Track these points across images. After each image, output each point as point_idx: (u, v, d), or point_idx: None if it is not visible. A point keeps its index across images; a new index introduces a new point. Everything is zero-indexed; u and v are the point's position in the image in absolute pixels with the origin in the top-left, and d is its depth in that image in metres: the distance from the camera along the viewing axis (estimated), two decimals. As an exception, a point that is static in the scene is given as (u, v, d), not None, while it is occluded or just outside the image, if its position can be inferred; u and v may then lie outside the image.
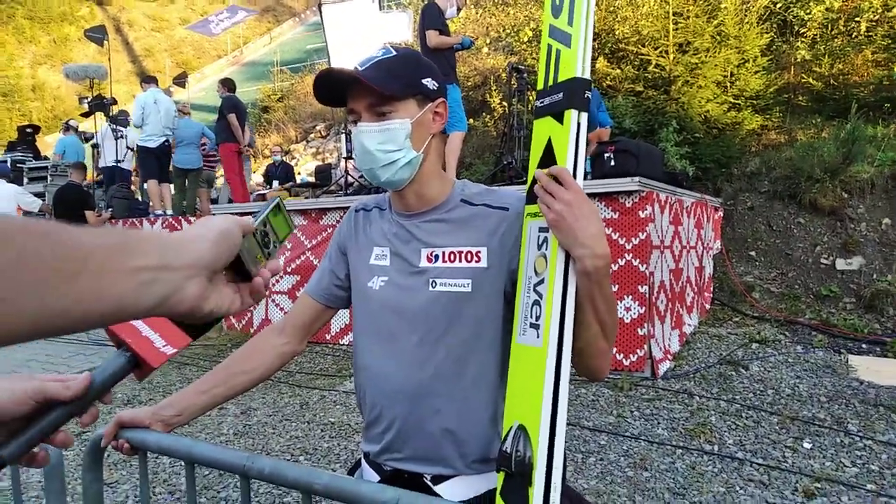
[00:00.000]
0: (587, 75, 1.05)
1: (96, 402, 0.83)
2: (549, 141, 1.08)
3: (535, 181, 1.07)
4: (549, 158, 1.07)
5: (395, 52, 1.20)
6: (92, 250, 0.49)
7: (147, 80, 8.65)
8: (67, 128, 10.85)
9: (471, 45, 6.65)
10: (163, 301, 0.54)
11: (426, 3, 6.42)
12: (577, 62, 1.05)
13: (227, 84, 8.92)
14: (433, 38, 5.97)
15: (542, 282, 1.04)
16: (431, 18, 6.04)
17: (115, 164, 9.08)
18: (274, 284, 6.38)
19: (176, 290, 0.55)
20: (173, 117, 8.28)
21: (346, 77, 1.18)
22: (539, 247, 1.07)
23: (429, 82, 1.22)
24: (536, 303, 1.04)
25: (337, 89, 1.21)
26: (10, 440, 0.73)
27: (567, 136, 1.03)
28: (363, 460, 1.36)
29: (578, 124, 1.04)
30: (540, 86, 1.13)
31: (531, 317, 1.05)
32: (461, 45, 6.33)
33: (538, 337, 1.02)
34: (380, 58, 1.18)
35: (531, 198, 1.09)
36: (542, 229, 1.06)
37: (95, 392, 0.81)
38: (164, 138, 8.09)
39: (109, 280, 0.50)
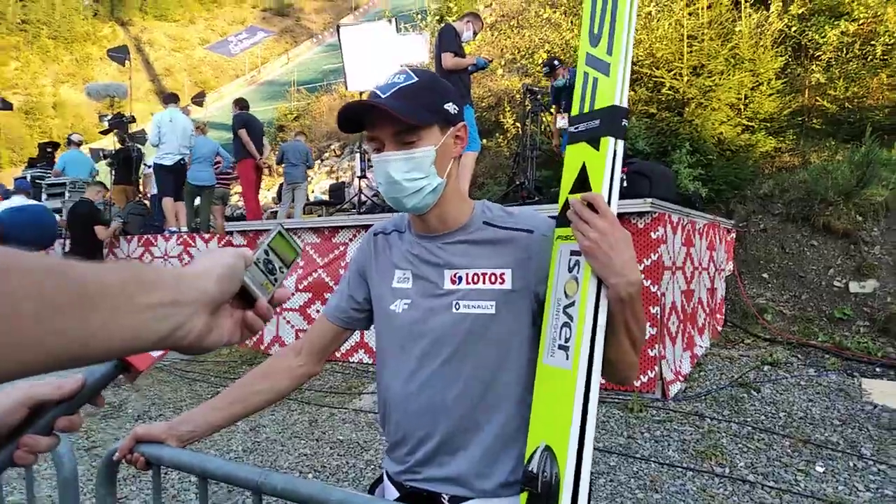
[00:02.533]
0: (625, 104, 1.08)
1: (86, 404, 0.84)
2: (584, 166, 1.09)
3: (567, 205, 1.09)
4: (583, 184, 1.09)
5: (416, 78, 1.19)
6: (106, 287, 0.50)
7: (168, 98, 8.79)
8: (69, 142, 11.00)
9: (486, 66, 6.72)
10: (169, 335, 0.56)
11: (443, 26, 6.51)
12: (616, 91, 1.07)
13: (240, 103, 9.11)
14: (448, 60, 6.04)
15: (572, 304, 1.06)
16: (448, 41, 6.13)
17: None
18: (273, 317, 6.42)
19: (182, 325, 0.57)
20: (190, 136, 8.40)
21: (369, 107, 1.16)
22: (570, 269, 1.09)
23: (450, 107, 1.22)
24: (566, 325, 1.06)
25: (357, 115, 1.21)
26: (4, 446, 0.76)
27: (603, 163, 1.06)
28: (385, 477, 1.38)
29: (615, 152, 1.07)
30: (575, 112, 1.14)
31: (560, 339, 1.06)
32: (476, 66, 6.40)
33: (567, 359, 1.03)
34: (401, 84, 1.17)
35: (562, 221, 1.11)
36: (573, 252, 1.08)
37: (86, 394, 0.82)
38: (180, 156, 8.20)
39: (124, 316, 0.51)
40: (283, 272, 0.74)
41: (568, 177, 1.12)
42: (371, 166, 10.40)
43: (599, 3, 1.14)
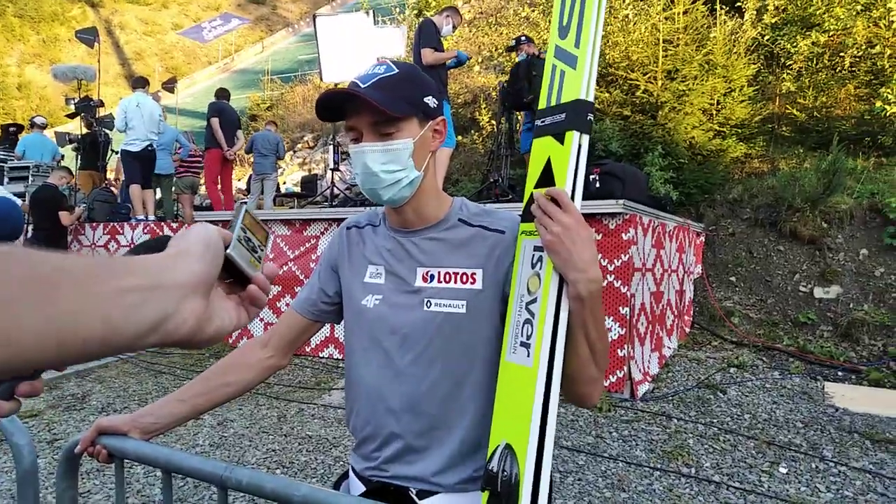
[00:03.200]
0: (591, 98, 1.06)
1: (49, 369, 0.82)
2: (549, 161, 1.08)
3: (531, 200, 1.07)
4: (547, 178, 1.07)
5: (396, 70, 1.18)
6: (68, 271, 0.45)
7: (137, 83, 8.58)
8: (32, 125, 10.70)
9: (466, 61, 6.69)
10: (158, 325, 0.50)
11: (422, 20, 6.45)
12: (581, 84, 1.05)
13: (219, 93, 8.98)
14: (428, 55, 6.00)
15: (534, 301, 1.04)
16: (427, 36, 6.08)
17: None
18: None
19: (172, 313, 0.52)
20: (158, 122, 8.20)
21: (349, 96, 1.15)
22: (533, 265, 1.07)
23: (430, 100, 1.21)
24: (528, 322, 1.04)
25: (335, 104, 1.20)
26: None
27: (567, 157, 1.04)
28: (351, 472, 1.36)
29: (580, 146, 1.05)
30: (542, 105, 1.13)
31: (522, 335, 1.05)
32: (457, 61, 6.35)
33: (528, 356, 1.02)
34: (382, 75, 1.16)
35: (527, 216, 1.09)
36: (536, 248, 1.06)
37: None
38: (147, 142, 7.98)
39: (90, 301, 0.45)
40: (262, 250, 0.71)
41: (533, 171, 1.11)
42: (344, 159, 10.32)
43: None
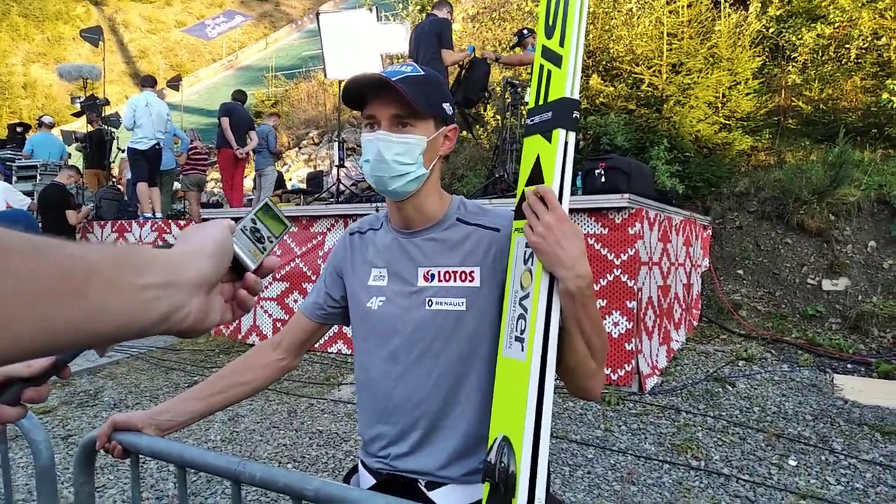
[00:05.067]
0: (576, 96, 1.08)
1: (52, 377, 0.83)
2: (538, 158, 1.10)
3: (523, 198, 1.10)
4: (537, 176, 1.09)
5: (422, 72, 1.23)
6: (98, 266, 0.48)
7: (145, 81, 8.62)
8: (41, 124, 10.75)
9: (472, 54, 6.76)
10: (166, 318, 0.54)
11: (435, 18, 6.38)
12: (566, 82, 1.08)
13: (235, 94, 9.10)
14: (449, 57, 6.11)
15: (527, 296, 1.06)
16: (447, 38, 6.16)
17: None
18: (263, 290, 6.36)
19: (179, 307, 0.55)
20: (166, 121, 8.25)
21: (380, 83, 1.18)
22: (525, 261, 1.09)
23: (447, 107, 1.27)
24: (522, 316, 1.06)
25: (362, 90, 1.23)
26: None
27: (554, 155, 1.06)
28: (360, 466, 1.39)
29: (566, 143, 1.07)
30: (531, 104, 1.16)
31: (516, 330, 1.07)
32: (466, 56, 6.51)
33: (522, 350, 1.04)
34: (408, 73, 1.21)
35: (519, 213, 1.12)
36: (528, 244, 1.08)
37: (54, 366, 0.81)
38: (154, 141, 8.04)
39: (118, 297, 0.49)
40: (271, 242, 0.73)
41: (524, 169, 1.14)
42: (349, 155, 10.33)
43: None
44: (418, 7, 16.29)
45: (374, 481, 1.32)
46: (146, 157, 8.02)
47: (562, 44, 1.10)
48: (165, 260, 0.55)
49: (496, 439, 1.04)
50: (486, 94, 7.13)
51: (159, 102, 8.29)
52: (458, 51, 6.46)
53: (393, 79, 1.17)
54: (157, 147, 8.11)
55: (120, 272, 0.49)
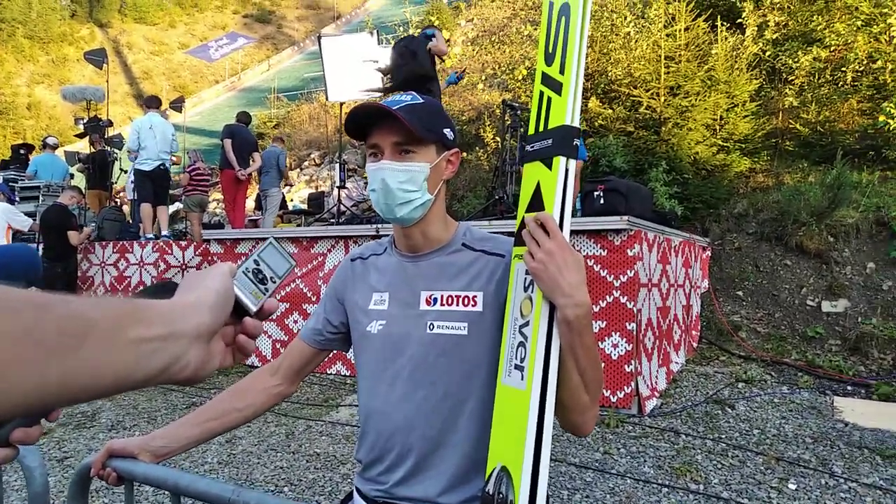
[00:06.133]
0: (577, 123, 1.08)
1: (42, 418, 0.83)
2: (538, 185, 1.10)
3: (523, 224, 1.09)
4: (537, 202, 1.09)
5: (421, 100, 1.25)
6: (96, 322, 0.48)
7: (150, 102, 8.72)
8: (45, 145, 10.83)
9: (459, 81, 6.82)
10: (164, 370, 0.54)
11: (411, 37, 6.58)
12: (566, 109, 1.07)
13: (239, 116, 9.21)
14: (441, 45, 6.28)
15: (527, 324, 1.05)
16: (419, 43, 6.27)
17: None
18: (263, 333, 6.36)
19: (178, 359, 0.55)
20: (171, 141, 8.32)
21: (382, 112, 1.21)
22: (525, 289, 1.08)
23: (448, 132, 1.28)
24: (522, 344, 1.05)
25: (365, 120, 1.25)
26: None
27: (555, 182, 1.06)
28: (355, 493, 1.38)
29: (566, 170, 1.07)
30: (531, 131, 1.15)
31: (516, 358, 1.06)
32: (448, 81, 6.56)
33: (522, 379, 1.03)
34: (409, 102, 1.23)
35: (519, 240, 1.11)
36: (528, 271, 1.08)
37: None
38: (159, 162, 8.11)
39: (114, 352, 0.49)
40: (274, 282, 0.73)
41: (524, 195, 1.13)
42: (350, 176, 10.36)
43: (554, 20, 1.14)
44: (418, 31, 16.50)
45: None
46: (150, 177, 8.09)
47: (562, 71, 1.10)
48: (167, 312, 0.56)
49: (494, 469, 1.02)
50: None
51: (163, 123, 8.36)
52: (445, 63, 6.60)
53: (394, 108, 1.19)
54: (161, 168, 8.18)
55: (119, 327, 0.50)
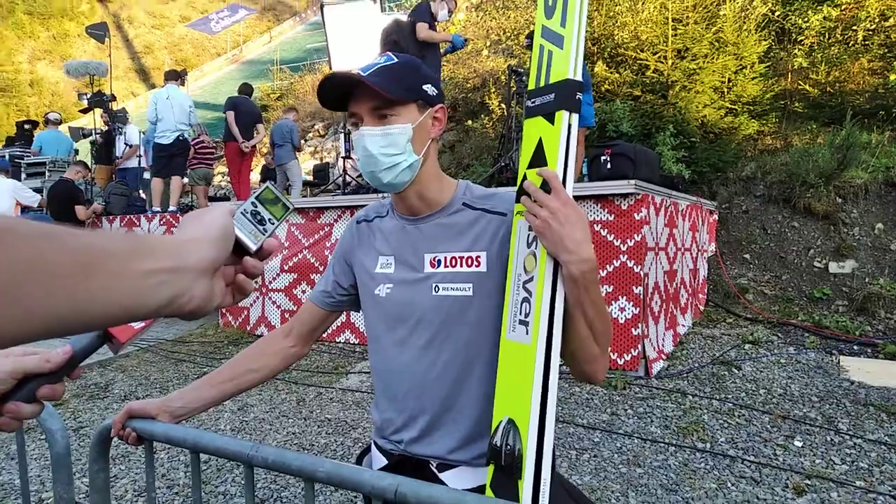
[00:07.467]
0: (579, 77, 1.06)
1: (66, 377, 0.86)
2: (540, 141, 1.09)
3: (525, 179, 1.09)
4: (539, 159, 1.08)
5: (396, 59, 1.23)
6: (108, 253, 0.51)
7: (168, 75, 8.75)
8: (47, 122, 10.82)
9: (462, 46, 6.66)
10: (171, 302, 0.56)
11: (418, 3, 6.47)
12: (569, 64, 1.06)
13: (241, 87, 9.17)
14: (423, 30, 6.02)
15: (531, 279, 1.06)
16: (420, 13, 6.14)
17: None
18: (271, 281, 6.42)
19: (184, 292, 0.57)
20: (188, 112, 8.32)
21: (349, 81, 1.20)
22: (529, 245, 1.09)
23: (429, 88, 1.25)
24: (526, 300, 1.06)
25: (340, 93, 1.24)
26: None
27: (558, 138, 1.05)
28: (373, 446, 1.42)
29: (569, 126, 1.05)
30: (532, 86, 1.14)
31: (520, 314, 1.07)
32: (452, 46, 6.38)
33: (527, 334, 1.04)
34: (382, 64, 1.21)
35: (520, 196, 1.11)
36: (532, 227, 1.08)
37: (69, 364, 0.85)
38: (177, 133, 8.16)
39: (123, 282, 0.51)
40: (272, 223, 0.74)
41: (526, 152, 1.12)
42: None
43: None
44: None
45: (385, 462, 1.34)
46: (168, 151, 8.14)
47: (563, 24, 1.08)
48: (172, 246, 0.58)
49: (501, 422, 1.04)
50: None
51: (181, 95, 8.40)
52: (444, 34, 6.43)
53: (365, 73, 1.17)
54: (180, 139, 8.23)
55: (128, 258, 0.52)
